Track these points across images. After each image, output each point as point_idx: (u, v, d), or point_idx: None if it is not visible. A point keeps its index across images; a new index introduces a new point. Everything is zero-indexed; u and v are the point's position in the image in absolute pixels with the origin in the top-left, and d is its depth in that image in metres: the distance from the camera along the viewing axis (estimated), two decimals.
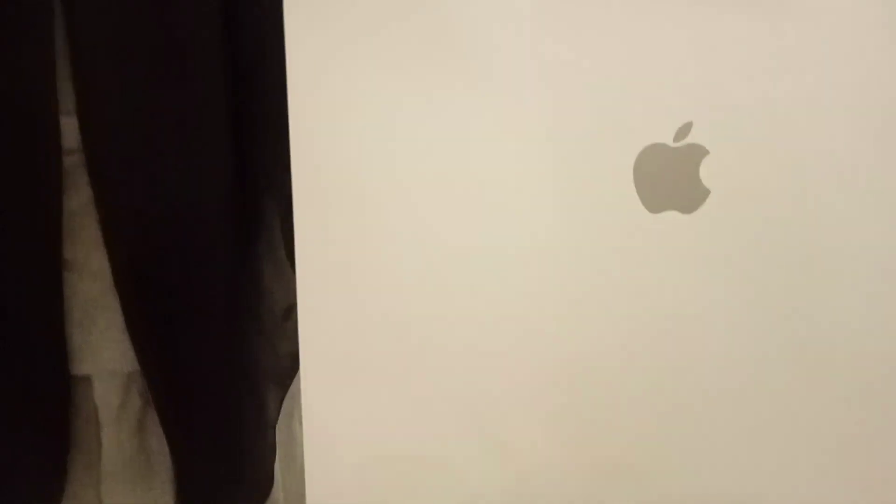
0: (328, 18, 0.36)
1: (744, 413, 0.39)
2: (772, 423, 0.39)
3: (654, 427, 0.40)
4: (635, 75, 0.35)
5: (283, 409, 0.73)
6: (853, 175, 0.36)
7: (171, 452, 0.67)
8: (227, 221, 0.66)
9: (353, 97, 0.37)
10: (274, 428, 0.74)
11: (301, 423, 0.47)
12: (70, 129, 0.58)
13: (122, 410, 0.67)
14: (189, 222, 0.63)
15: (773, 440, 0.40)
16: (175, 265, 0.64)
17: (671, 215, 0.36)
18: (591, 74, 0.35)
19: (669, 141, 0.35)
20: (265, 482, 0.73)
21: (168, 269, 0.64)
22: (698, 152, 0.35)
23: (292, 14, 0.36)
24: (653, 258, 0.37)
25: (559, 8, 0.35)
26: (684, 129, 0.35)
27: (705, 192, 0.36)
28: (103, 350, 0.64)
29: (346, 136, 0.37)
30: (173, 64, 0.60)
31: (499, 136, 0.36)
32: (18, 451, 0.63)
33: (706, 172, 0.35)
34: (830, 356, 0.38)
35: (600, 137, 0.36)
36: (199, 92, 0.62)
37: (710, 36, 0.34)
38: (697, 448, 0.40)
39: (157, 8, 0.58)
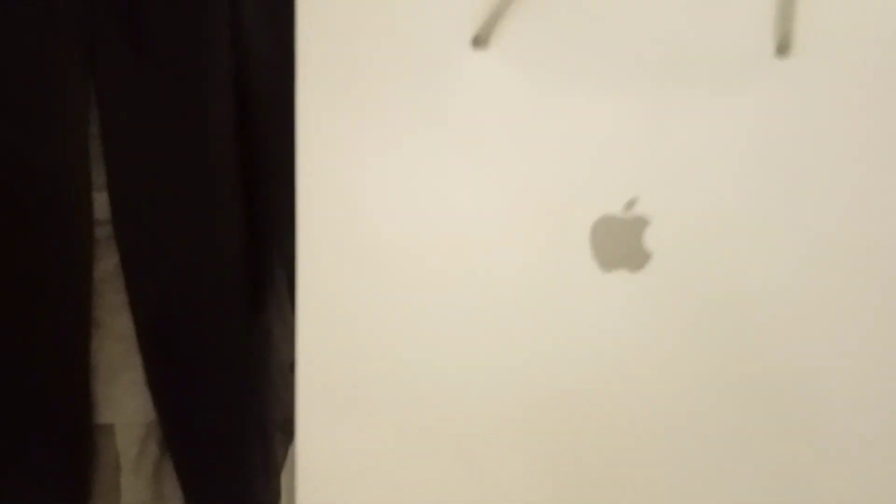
0: (337, 97, 0.40)
1: (690, 447, 0.43)
2: (713, 452, 0.43)
3: (615, 461, 0.44)
4: (593, 161, 0.40)
5: (288, 456, 0.76)
6: (770, 231, 0.41)
7: (183, 498, 0.70)
8: (240, 285, 0.69)
9: (356, 168, 0.41)
10: (279, 475, 0.77)
11: None
12: (101, 203, 0.62)
13: (140, 457, 0.70)
14: (206, 287, 0.67)
15: (719, 469, 0.43)
16: (192, 326, 0.67)
17: (621, 273, 0.41)
18: (559, 157, 0.40)
19: (619, 212, 0.40)
20: None
21: (186, 329, 0.67)
22: (642, 222, 0.40)
23: (304, 94, 0.41)
24: (606, 308, 0.41)
25: (535, 101, 0.40)
26: (631, 203, 0.40)
27: (648, 255, 0.41)
28: (125, 402, 0.67)
29: (348, 202, 0.41)
30: (192, 145, 0.64)
31: (483, 207, 0.41)
32: (44, 495, 0.66)
33: (649, 238, 0.41)
34: (764, 394, 0.43)
35: (564, 208, 0.40)
36: (215, 170, 0.66)
37: (653, 129, 0.40)
38: (658, 481, 0.44)
39: (176, 97, 0.63)
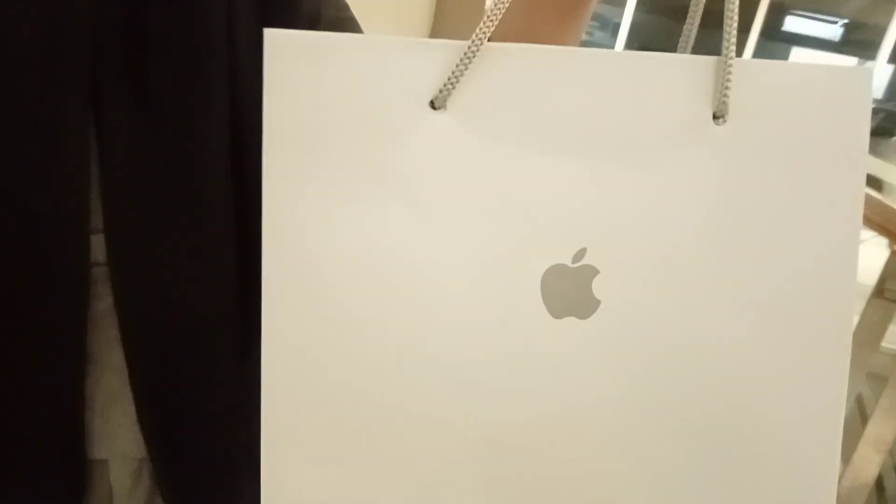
0: (302, 153, 0.42)
1: (637, 491, 0.45)
2: (661, 495, 0.45)
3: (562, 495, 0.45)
4: (543, 215, 0.42)
5: None
6: (709, 280, 0.43)
7: None
8: (231, 324, 0.70)
9: (319, 220, 0.42)
10: None
11: None
12: (98, 245, 0.63)
13: (133, 491, 0.70)
14: (197, 327, 0.68)
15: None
16: (183, 364, 0.68)
17: (570, 320, 0.43)
18: (511, 211, 0.42)
19: (569, 262, 0.42)
20: None
21: (177, 367, 0.67)
22: (591, 271, 0.42)
23: (270, 155, 0.42)
24: (556, 353, 0.43)
25: (490, 159, 0.42)
26: (580, 254, 0.42)
27: (597, 303, 0.42)
28: (119, 437, 0.68)
29: (311, 253, 0.42)
30: (189, 186, 0.65)
31: (441, 257, 0.42)
32: None
33: (597, 287, 0.42)
34: (709, 436, 0.44)
35: (516, 259, 0.42)
36: (211, 210, 0.67)
37: (600, 187, 0.42)
38: None
39: (176, 139, 0.64)
